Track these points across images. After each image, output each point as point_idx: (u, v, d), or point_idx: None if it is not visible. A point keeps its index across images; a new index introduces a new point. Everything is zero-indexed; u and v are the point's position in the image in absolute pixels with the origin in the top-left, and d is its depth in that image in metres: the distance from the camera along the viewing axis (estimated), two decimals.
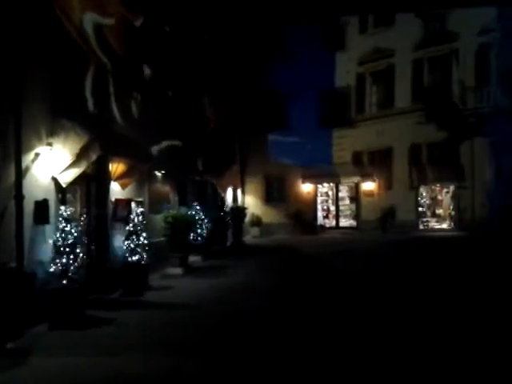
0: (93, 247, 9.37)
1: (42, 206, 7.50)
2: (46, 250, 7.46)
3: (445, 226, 24.42)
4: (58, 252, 7.24)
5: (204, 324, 7.48)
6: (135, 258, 9.62)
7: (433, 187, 24.94)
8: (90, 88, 8.51)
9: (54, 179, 7.90)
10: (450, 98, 23.22)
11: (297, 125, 24.09)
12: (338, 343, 6.32)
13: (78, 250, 7.38)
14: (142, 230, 9.80)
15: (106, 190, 9.96)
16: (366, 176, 24.47)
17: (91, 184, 9.49)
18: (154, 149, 11.54)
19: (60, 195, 8.12)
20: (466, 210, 22.95)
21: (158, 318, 7.89)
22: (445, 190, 24.85)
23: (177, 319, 7.77)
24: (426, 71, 24.42)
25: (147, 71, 11.05)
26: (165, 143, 12.17)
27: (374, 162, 24.94)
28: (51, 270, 7.19)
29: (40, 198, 7.52)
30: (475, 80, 22.89)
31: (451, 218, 24.31)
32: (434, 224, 24.68)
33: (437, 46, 23.83)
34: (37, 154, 7.53)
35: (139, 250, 9.67)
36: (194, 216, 14.11)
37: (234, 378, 5.27)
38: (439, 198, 25.25)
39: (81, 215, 9.09)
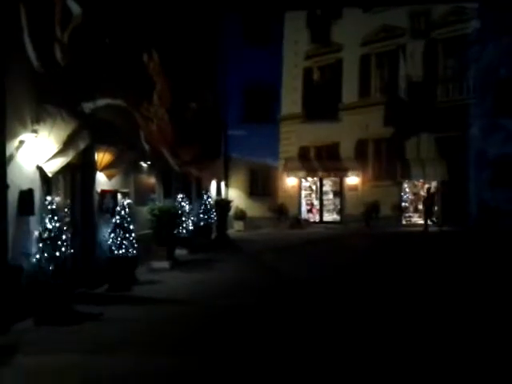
0: (78, 240, 9.01)
1: (26, 196, 7.14)
2: (31, 242, 7.12)
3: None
4: (43, 244, 6.93)
5: (195, 320, 7.27)
6: (122, 251, 9.32)
7: (415, 183, 25.02)
8: None
9: (40, 168, 7.54)
10: (397, 93, 23.11)
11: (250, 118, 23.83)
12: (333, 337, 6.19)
13: (64, 243, 7.07)
14: (130, 223, 9.49)
15: (91, 180, 9.61)
16: (349, 170, 24.42)
17: (76, 174, 9.12)
18: (86, 106, 8.77)
19: (45, 185, 7.76)
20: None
21: (147, 313, 7.65)
22: (426, 186, 24.96)
23: (167, 315, 7.54)
24: (374, 66, 24.27)
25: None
26: (102, 101, 9.20)
27: (320, 156, 24.86)
28: (37, 262, 6.87)
29: (25, 187, 7.16)
30: (423, 76, 22.92)
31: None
32: (416, 219, 24.78)
33: (384, 41, 23.68)
34: (21, 142, 7.16)
35: (126, 243, 9.36)
36: (179, 208, 13.81)
37: (227, 377, 5.08)
38: (421, 193, 25.34)
39: (65, 206, 8.73)
